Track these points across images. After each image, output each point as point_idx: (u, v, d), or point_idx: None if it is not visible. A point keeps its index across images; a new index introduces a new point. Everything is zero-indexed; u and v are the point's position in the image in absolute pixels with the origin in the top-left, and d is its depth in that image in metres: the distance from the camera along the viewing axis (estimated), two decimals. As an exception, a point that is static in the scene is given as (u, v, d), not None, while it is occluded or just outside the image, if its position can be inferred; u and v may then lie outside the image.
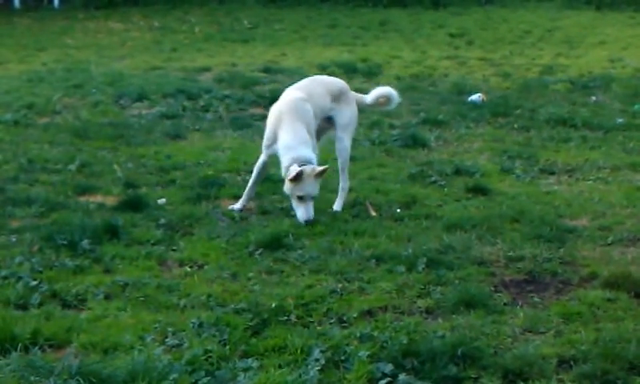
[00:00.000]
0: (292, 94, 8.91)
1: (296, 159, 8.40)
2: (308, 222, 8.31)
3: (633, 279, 6.95)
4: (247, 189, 8.94)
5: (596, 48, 22.05)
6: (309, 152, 8.52)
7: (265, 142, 8.84)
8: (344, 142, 9.01)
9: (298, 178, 8.28)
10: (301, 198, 8.35)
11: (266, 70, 18.04)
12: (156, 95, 14.99)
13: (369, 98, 9.43)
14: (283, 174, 8.50)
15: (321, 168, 8.45)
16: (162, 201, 9.05)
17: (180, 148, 11.55)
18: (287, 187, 8.42)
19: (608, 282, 6.94)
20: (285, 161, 8.49)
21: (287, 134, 8.56)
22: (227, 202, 9.15)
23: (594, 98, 15.38)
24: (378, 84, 16.16)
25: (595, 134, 12.48)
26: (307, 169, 8.36)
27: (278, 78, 17.04)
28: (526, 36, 24.53)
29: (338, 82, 9.33)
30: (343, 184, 8.93)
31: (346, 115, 9.05)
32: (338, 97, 9.03)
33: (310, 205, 8.39)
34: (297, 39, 23.70)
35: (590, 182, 10.08)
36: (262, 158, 8.91)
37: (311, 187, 8.37)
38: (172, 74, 17.72)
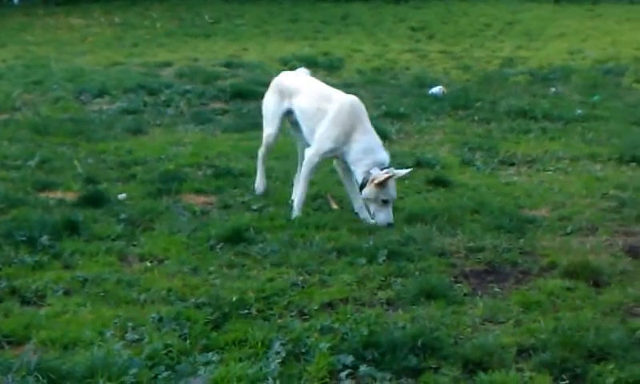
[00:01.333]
0: (338, 92, 8.78)
1: (377, 163, 8.19)
2: (391, 226, 8.14)
3: (591, 268, 7.02)
4: (300, 196, 8.53)
5: (556, 40, 22.20)
6: (386, 154, 8.36)
7: (329, 144, 8.36)
8: None
9: (385, 183, 8.08)
10: (385, 202, 8.15)
11: (228, 65, 18.01)
12: (117, 91, 14.93)
13: None
14: (361, 178, 8.22)
15: (405, 171, 8.38)
16: (122, 196, 9.01)
17: (141, 143, 11.50)
18: (371, 192, 8.12)
19: (567, 272, 7.00)
20: (363, 165, 8.21)
21: (365, 135, 8.32)
22: (188, 196, 9.13)
23: (553, 89, 15.49)
24: (340, 77, 16.31)
25: (555, 126, 12.57)
26: (396, 173, 8.21)
27: (239, 73, 17.06)
28: (486, 29, 24.65)
29: None
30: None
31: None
32: None
33: (391, 208, 8.22)
34: (258, 34, 23.68)
35: (549, 173, 10.15)
36: (317, 161, 8.50)
37: (394, 190, 8.18)
38: (133, 69, 17.65)
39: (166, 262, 7.30)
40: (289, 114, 8.92)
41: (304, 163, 8.57)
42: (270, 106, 9.06)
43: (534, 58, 19.21)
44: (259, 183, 9.19)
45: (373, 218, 8.25)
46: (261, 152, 9.21)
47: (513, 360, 5.62)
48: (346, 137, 8.30)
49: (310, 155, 8.50)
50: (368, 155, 8.23)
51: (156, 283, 6.78)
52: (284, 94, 8.93)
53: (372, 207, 8.23)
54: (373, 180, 8.10)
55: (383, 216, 8.17)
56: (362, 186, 8.21)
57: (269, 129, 9.08)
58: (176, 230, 8.02)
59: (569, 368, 5.49)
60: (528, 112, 13.20)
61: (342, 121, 8.35)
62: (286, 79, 9.13)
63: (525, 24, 25.69)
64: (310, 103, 8.65)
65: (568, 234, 8.05)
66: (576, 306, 6.41)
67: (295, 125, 8.93)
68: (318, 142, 8.45)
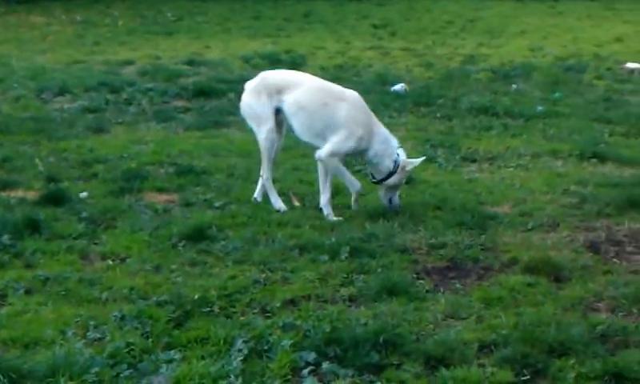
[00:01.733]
0: (338, 86, 8.88)
1: (395, 149, 8.51)
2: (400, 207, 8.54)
3: (552, 263, 7.06)
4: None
5: (517, 37, 22.34)
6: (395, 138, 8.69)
7: (351, 144, 8.38)
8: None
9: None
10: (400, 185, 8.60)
11: (190, 63, 17.96)
12: (78, 89, 14.83)
13: None
14: (392, 166, 8.42)
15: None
16: (83, 194, 8.96)
17: (103, 141, 11.44)
18: (399, 178, 8.48)
19: (528, 267, 7.04)
20: (388, 154, 8.44)
21: (379, 127, 8.56)
22: (150, 194, 9.10)
23: (514, 86, 15.58)
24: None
25: (516, 122, 12.64)
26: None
27: (201, 71, 17.01)
28: (448, 26, 24.76)
29: None
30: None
31: None
32: None
33: None
34: (220, 31, 23.63)
35: (510, 170, 10.20)
36: (337, 160, 8.44)
37: None
38: (95, 67, 17.56)
39: (127, 261, 7.27)
40: (276, 113, 8.66)
41: (324, 167, 8.47)
42: (258, 107, 8.67)
43: (495, 55, 19.31)
44: (277, 203, 8.66)
45: (389, 203, 8.51)
46: (265, 165, 8.70)
47: (474, 356, 5.64)
48: (367, 134, 8.43)
49: (328, 156, 8.40)
50: (388, 144, 8.50)
51: (118, 282, 6.75)
52: (270, 91, 8.66)
53: (390, 193, 8.53)
54: (404, 167, 8.41)
55: (397, 199, 8.55)
56: (389, 175, 8.43)
57: (265, 126, 8.65)
58: (138, 228, 7.99)
59: (530, 363, 5.52)
60: (489, 109, 13.28)
61: (361, 118, 8.48)
62: (272, 76, 8.88)
63: (486, 21, 25.83)
64: (311, 98, 8.55)
65: (529, 229, 8.10)
66: (537, 302, 6.45)
67: (279, 125, 8.74)
68: (336, 143, 8.40)
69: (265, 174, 8.72)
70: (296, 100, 8.56)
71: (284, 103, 8.61)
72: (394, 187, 8.54)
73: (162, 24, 25.11)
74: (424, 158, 8.87)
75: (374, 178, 8.62)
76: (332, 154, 8.41)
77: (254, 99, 8.73)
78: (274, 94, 8.66)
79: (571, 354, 5.62)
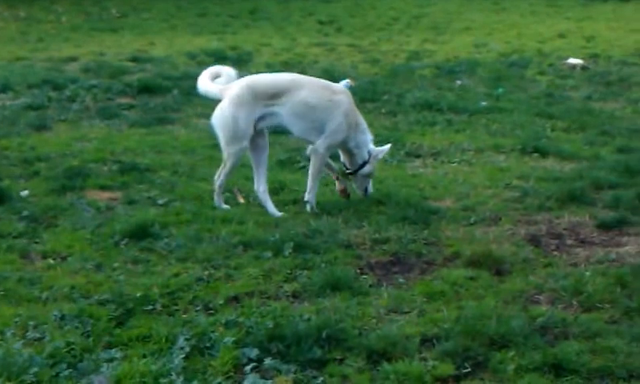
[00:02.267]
0: (334, 84, 8.94)
1: (370, 140, 8.80)
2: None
3: (494, 257, 7.11)
4: (313, 191, 8.55)
5: (462, 34, 22.48)
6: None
7: (342, 134, 8.52)
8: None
9: None
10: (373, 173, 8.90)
11: (134, 59, 17.87)
12: (20, 86, 14.68)
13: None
14: (366, 157, 8.69)
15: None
16: (24, 193, 8.87)
17: (45, 139, 11.33)
18: (372, 167, 8.76)
19: (470, 261, 7.09)
20: (367, 144, 8.70)
21: (361, 117, 8.78)
22: (93, 192, 9.02)
23: (459, 82, 15.67)
24: (249, 72, 16.22)
25: (460, 118, 12.72)
26: None
27: (146, 67, 16.91)
28: (393, 23, 24.84)
29: None
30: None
31: None
32: None
33: None
34: (166, 28, 23.54)
35: (454, 165, 10.27)
36: (326, 154, 8.60)
37: None
38: (38, 64, 17.40)
39: (69, 259, 7.20)
40: (259, 120, 8.45)
41: (314, 160, 8.53)
42: (242, 121, 8.33)
43: (440, 51, 19.41)
44: (220, 201, 8.60)
45: (364, 192, 8.79)
46: (225, 173, 8.56)
47: (416, 349, 5.65)
48: (354, 124, 8.61)
49: (326, 149, 8.56)
50: (366, 135, 8.73)
51: (58, 281, 6.68)
52: (258, 98, 8.38)
53: (365, 182, 8.80)
54: (376, 155, 8.73)
55: (371, 187, 8.85)
56: (362, 165, 8.68)
57: (240, 144, 8.40)
58: (80, 226, 7.92)
59: (471, 356, 5.55)
60: (434, 104, 13.35)
61: (352, 109, 8.67)
62: (260, 82, 8.57)
63: (431, 18, 25.96)
64: (317, 96, 8.53)
65: (471, 224, 8.15)
66: (478, 295, 6.49)
67: (262, 131, 8.57)
68: (332, 134, 8.52)
69: (220, 179, 8.60)
70: (302, 101, 8.46)
71: (282, 106, 8.44)
72: (369, 176, 8.76)
73: (106, 20, 24.95)
74: (390, 145, 9.13)
75: (347, 168, 8.76)
76: (329, 147, 8.60)
77: (239, 111, 8.35)
78: (261, 101, 8.41)
79: (511, 346, 5.65)
